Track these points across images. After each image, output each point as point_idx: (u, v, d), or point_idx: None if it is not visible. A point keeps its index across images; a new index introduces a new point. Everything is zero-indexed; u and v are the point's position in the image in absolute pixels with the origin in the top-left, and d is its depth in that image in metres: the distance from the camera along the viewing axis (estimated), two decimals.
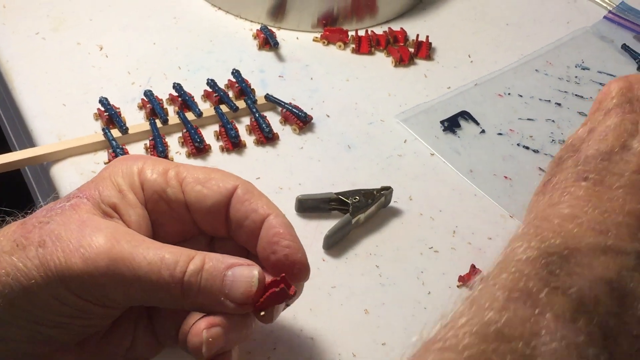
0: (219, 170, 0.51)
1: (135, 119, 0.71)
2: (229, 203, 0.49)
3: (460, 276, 0.63)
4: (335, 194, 0.66)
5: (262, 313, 0.47)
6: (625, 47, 0.86)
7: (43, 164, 0.68)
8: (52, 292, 0.45)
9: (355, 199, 0.66)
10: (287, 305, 0.52)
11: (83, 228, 0.46)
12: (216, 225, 0.50)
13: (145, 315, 0.51)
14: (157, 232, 0.50)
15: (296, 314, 0.59)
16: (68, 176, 0.66)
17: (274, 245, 0.48)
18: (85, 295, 0.45)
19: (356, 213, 0.65)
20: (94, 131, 0.69)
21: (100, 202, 0.48)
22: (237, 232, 0.50)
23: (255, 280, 0.46)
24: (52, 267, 0.44)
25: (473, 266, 0.64)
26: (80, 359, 0.49)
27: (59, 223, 0.46)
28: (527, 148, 0.75)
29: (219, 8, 0.84)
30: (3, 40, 0.77)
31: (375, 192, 0.67)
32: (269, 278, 0.48)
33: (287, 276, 0.48)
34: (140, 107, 0.72)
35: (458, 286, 0.63)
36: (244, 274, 0.46)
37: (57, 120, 0.70)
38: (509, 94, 0.80)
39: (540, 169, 0.73)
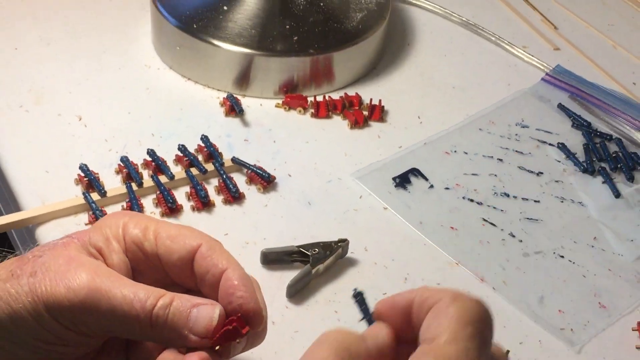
0: (190, 229, 0.56)
1: (113, 183, 0.78)
2: (192, 259, 0.54)
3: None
4: (297, 246, 0.73)
5: (217, 347, 0.52)
6: (560, 107, 0.94)
7: (29, 227, 0.74)
8: (36, 316, 0.50)
9: (314, 251, 0.73)
10: (247, 346, 0.57)
11: (70, 262, 0.52)
12: (184, 277, 0.55)
13: (122, 352, 0.56)
14: (137, 278, 0.55)
15: (262, 358, 0.65)
16: (53, 237, 0.72)
17: (230, 297, 0.53)
18: (65, 321, 0.51)
19: (316, 264, 0.72)
20: (75, 195, 0.76)
21: (89, 244, 0.54)
22: (201, 285, 0.55)
23: (216, 316, 0.51)
24: (39, 293, 0.50)
25: None
26: None
27: (50, 256, 0.52)
28: (472, 200, 0.82)
29: (189, 79, 0.91)
30: None
31: (333, 244, 0.74)
32: None
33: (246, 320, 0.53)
34: (117, 172, 0.79)
35: None
36: (207, 311, 0.51)
37: (40, 186, 0.77)
38: (455, 151, 0.87)
39: (483, 219, 0.80)
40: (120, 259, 0.55)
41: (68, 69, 0.90)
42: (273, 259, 0.73)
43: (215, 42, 0.88)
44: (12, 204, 0.78)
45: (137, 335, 0.52)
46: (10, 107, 0.84)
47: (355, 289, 0.51)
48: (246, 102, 0.89)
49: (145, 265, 0.56)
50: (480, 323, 0.42)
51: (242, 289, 0.53)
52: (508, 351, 0.68)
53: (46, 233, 0.73)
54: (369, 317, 0.50)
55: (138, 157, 0.80)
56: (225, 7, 0.90)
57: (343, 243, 0.74)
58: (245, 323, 0.53)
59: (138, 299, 0.51)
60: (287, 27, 0.90)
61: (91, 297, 0.50)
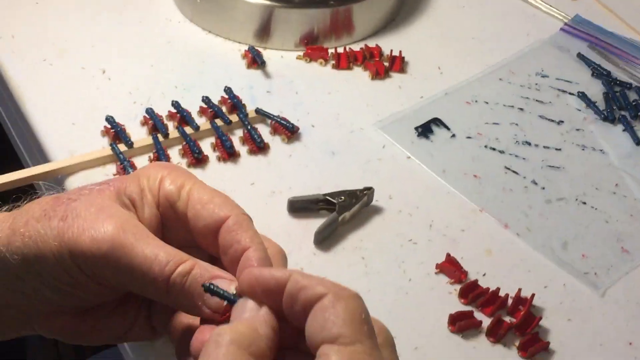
0: (224, 198, 0.55)
1: (138, 134, 0.78)
2: (218, 229, 0.53)
3: (437, 264, 0.71)
4: (323, 195, 0.74)
5: None
6: (580, 56, 0.94)
7: (57, 177, 0.75)
8: (59, 259, 0.51)
9: (340, 199, 0.74)
10: None
11: (100, 211, 0.52)
12: (208, 244, 0.54)
13: (145, 303, 0.57)
14: (165, 234, 0.56)
15: None
16: None
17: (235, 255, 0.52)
18: (86, 270, 0.51)
19: (342, 211, 0.73)
20: (102, 146, 0.77)
21: (123, 194, 0.54)
22: (223, 257, 0.54)
23: (233, 288, 0.49)
24: (66, 239, 0.51)
25: (448, 255, 0.71)
26: (78, 327, 0.56)
27: (83, 202, 0.53)
28: (494, 149, 0.83)
29: (209, 31, 0.92)
30: (14, 68, 0.84)
31: (358, 192, 0.75)
32: None
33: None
34: (143, 124, 0.79)
35: (436, 273, 0.71)
36: (223, 286, 0.50)
37: (67, 138, 0.78)
38: (476, 101, 0.88)
39: (505, 167, 0.81)
40: (152, 213, 0.55)
41: (90, 22, 0.91)
42: (300, 207, 0.74)
43: None
44: (40, 157, 0.79)
45: (152, 296, 0.52)
46: (34, 61, 0.85)
47: (203, 285, 0.50)
48: (267, 54, 0.89)
49: (175, 223, 0.56)
50: (367, 318, 0.44)
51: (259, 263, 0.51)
52: None
53: (75, 184, 0.74)
54: (230, 298, 0.49)
55: (162, 109, 0.81)
56: None
57: (368, 191, 0.75)
58: None
59: (158, 262, 0.50)
60: None
61: (113, 252, 0.50)
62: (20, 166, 0.86)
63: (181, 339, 0.54)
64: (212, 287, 0.49)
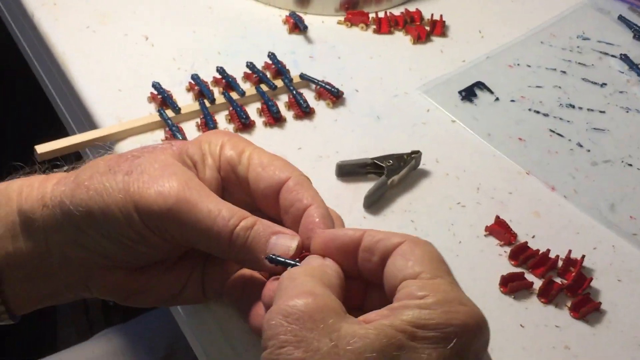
0: (284, 161, 0.57)
1: (185, 100, 0.79)
2: (279, 190, 0.55)
3: (486, 227, 0.71)
4: (371, 159, 0.74)
5: None
6: (621, 18, 0.94)
7: (107, 144, 0.76)
8: (124, 212, 0.52)
9: (389, 162, 0.74)
10: None
11: (164, 168, 0.53)
12: (268, 206, 0.56)
13: (199, 267, 0.58)
14: (225, 198, 0.56)
15: None
16: None
17: (309, 232, 0.53)
18: (150, 224, 0.52)
19: (391, 175, 0.73)
20: (149, 112, 0.77)
21: (186, 155, 0.56)
22: (284, 217, 0.55)
23: (294, 246, 0.52)
24: (131, 192, 0.52)
25: (497, 217, 0.71)
26: (133, 284, 0.57)
27: (147, 159, 0.54)
28: (538, 112, 0.83)
29: None
30: (57, 35, 0.84)
31: (405, 156, 0.75)
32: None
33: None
34: (188, 90, 0.80)
35: (485, 235, 0.71)
36: (285, 240, 0.52)
37: (114, 105, 0.78)
38: (518, 64, 0.88)
39: (550, 130, 0.81)
40: (213, 175, 0.56)
41: None
42: (348, 171, 0.74)
43: None
44: (88, 124, 0.79)
45: (215, 250, 0.53)
46: (78, 28, 0.85)
47: (266, 257, 0.52)
48: (308, 19, 0.89)
49: (235, 187, 0.57)
50: (444, 260, 0.48)
51: (322, 227, 0.53)
52: None
53: (125, 149, 0.74)
54: (292, 264, 0.51)
55: (207, 75, 0.81)
56: None
57: (416, 155, 0.75)
58: None
59: (222, 217, 0.52)
60: None
61: (178, 206, 0.51)
62: (65, 134, 0.87)
63: (243, 296, 0.55)
64: (274, 257, 0.50)
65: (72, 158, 0.70)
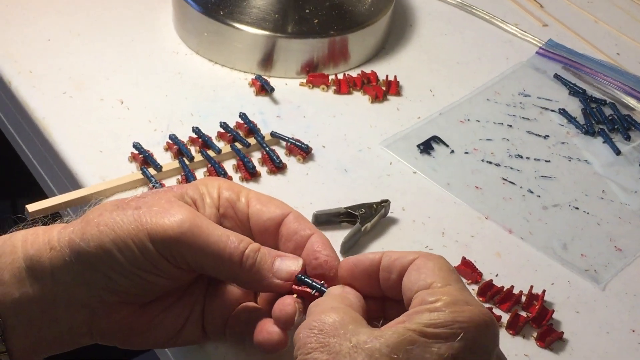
0: (280, 200, 0.63)
1: (163, 159, 0.83)
2: (280, 222, 0.61)
3: (454, 267, 0.77)
4: (345, 208, 0.80)
5: (295, 295, 0.58)
6: (556, 76, 1.02)
7: (91, 202, 0.79)
8: (137, 242, 0.56)
9: (361, 211, 0.79)
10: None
11: (171, 203, 0.58)
12: (265, 238, 0.62)
13: (199, 304, 0.62)
14: None
15: None
16: None
17: (317, 254, 0.60)
18: (164, 251, 0.56)
19: (364, 222, 0.79)
20: (131, 171, 0.81)
21: (186, 194, 0.60)
22: (285, 245, 0.61)
23: (298, 266, 0.58)
24: (143, 222, 0.56)
25: (464, 258, 0.77)
26: (136, 322, 0.60)
27: (152, 197, 0.59)
28: (490, 163, 0.90)
29: (215, 62, 0.97)
30: (36, 101, 0.88)
31: (375, 205, 0.81)
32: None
33: (324, 276, 0.59)
34: (166, 149, 0.84)
35: None
36: (290, 261, 0.59)
37: (97, 165, 0.82)
38: (468, 119, 0.95)
39: (503, 178, 0.88)
40: (212, 212, 0.61)
41: (102, 57, 0.95)
42: (324, 220, 0.79)
43: (242, 26, 0.94)
44: (71, 184, 0.83)
45: (226, 273, 0.58)
46: (55, 95, 0.89)
47: (296, 277, 0.58)
48: (272, 82, 0.95)
49: (233, 223, 0.62)
50: (454, 270, 0.55)
51: (328, 250, 0.60)
52: None
53: None
54: (318, 287, 0.58)
55: (182, 135, 0.86)
56: None
57: (385, 203, 0.81)
58: (321, 279, 0.59)
59: (232, 240, 0.57)
60: (307, 10, 0.97)
61: (191, 231, 0.56)
62: (42, 195, 0.90)
63: (246, 329, 0.60)
64: (303, 278, 0.55)
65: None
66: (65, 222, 0.61)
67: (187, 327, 0.62)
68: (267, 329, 0.58)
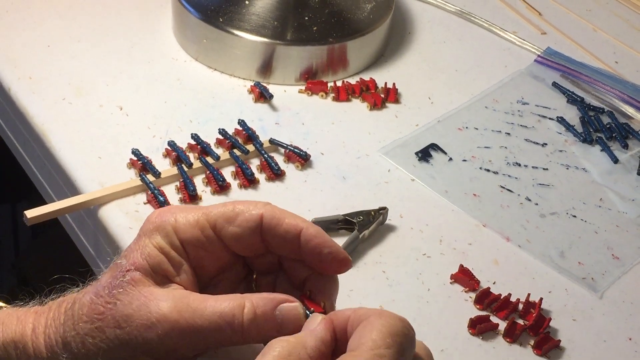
0: (242, 202, 0.57)
1: (162, 165, 0.83)
2: (259, 229, 0.56)
3: (451, 275, 0.77)
4: (343, 215, 0.80)
5: None
6: (555, 84, 1.03)
7: (90, 208, 0.79)
8: (129, 354, 0.54)
9: (359, 218, 0.80)
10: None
11: (148, 304, 0.54)
12: (254, 248, 0.57)
13: None
14: (199, 273, 0.57)
15: None
16: (115, 217, 0.78)
17: (319, 254, 0.56)
18: (158, 355, 0.53)
19: (362, 229, 0.79)
20: (130, 177, 0.81)
21: (152, 271, 0.55)
22: (275, 246, 0.57)
23: (302, 314, 0.53)
24: (132, 342, 0.53)
25: (461, 266, 0.78)
26: None
27: (125, 304, 0.54)
28: (488, 170, 0.90)
29: (215, 69, 0.97)
30: (35, 107, 0.88)
31: (373, 212, 0.81)
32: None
33: (334, 268, 0.57)
34: (165, 155, 0.84)
35: (451, 283, 0.77)
36: (291, 310, 0.53)
37: (96, 171, 0.82)
38: (466, 127, 0.95)
39: (500, 186, 0.88)
40: (186, 271, 0.56)
41: (102, 63, 0.96)
42: (322, 227, 0.78)
43: (241, 33, 0.95)
44: (69, 190, 0.83)
45: (230, 344, 0.55)
46: (54, 101, 0.90)
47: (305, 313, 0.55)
48: (271, 89, 0.95)
49: (206, 259, 0.57)
50: (399, 336, 0.49)
51: (327, 244, 0.56)
52: None
53: (109, 212, 0.78)
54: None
55: (181, 142, 0.86)
56: (247, 2, 0.97)
57: (383, 210, 0.81)
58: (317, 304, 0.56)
59: (224, 320, 0.53)
60: (307, 18, 0.97)
61: (179, 328, 0.53)
62: (42, 199, 0.90)
63: None
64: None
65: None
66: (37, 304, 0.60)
67: None
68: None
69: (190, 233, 0.56)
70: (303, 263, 0.57)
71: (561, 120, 0.98)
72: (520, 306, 0.76)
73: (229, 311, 0.53)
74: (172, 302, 0.53)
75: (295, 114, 0.93)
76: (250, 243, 0.56)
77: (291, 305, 0.54)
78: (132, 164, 0.83)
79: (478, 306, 0.76)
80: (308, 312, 0.54)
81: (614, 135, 0.97)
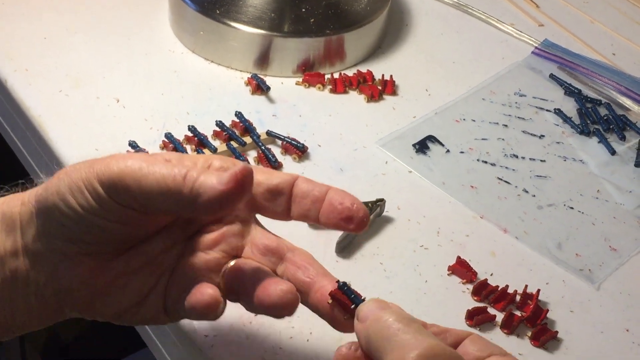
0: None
1: None
2: (292, 184, 0.60)
3: (449, 266, 0.77)
4: None
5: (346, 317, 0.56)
6: (552, 76, 1.03)
7: None
8: (87, 184, 0.54)
9: None
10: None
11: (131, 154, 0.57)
12: (274, 203, 0.60)
13: (167, 276, 0.59)
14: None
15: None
16: None
17: (342, 199, 0.59)
18: (110, 190, 0.54)
19: None
20: None
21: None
22: (300, 203, 0.59)
23: (236, 170, 0.53)
24: (95, 165, 0.55)
25: (459, 257, 0.78)
26: (98, 279, 0.58)
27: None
28: (486, 162, 0.90)
29: (212, 61, 0.97)
30: (32, 99, 0.88)
31: (371, 204, 0.81)
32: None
33: (354, 218, 0.58)
34: (162, 148, 0.84)
35: (448, 274, 0.77)
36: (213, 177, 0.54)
37: None
38: (464, 119, 0.95)
39: (498, 178, 0.88)
40: None
41: (98, 55, 0.95)
42: None
43: (238, 25, 0.94)
44: None
45: (173, 201, 0.55)
46: (51, 92, 0.89)
47: (338, 282, 0.57)
48: (268, 80, 0.95)
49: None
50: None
51: (350, 197, 0.60)
52: None
53: None
54: (359, 302, 0.55)
55: (178, 134, 0.86)
56: None
57: (381, 202, 0.81)
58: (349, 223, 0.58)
59: (178, 169, 0.54)
60: (304, 10, 0.97)
61: (138, 164, 0.54)
62: None
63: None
64: (346, 287, 0.55)
65: None
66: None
67: (150, 299, 0.60)
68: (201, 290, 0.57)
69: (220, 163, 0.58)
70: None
71: (558, 112, 0.97)
72: (518, 298, 0.76)
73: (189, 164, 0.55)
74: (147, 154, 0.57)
75: (292, 106, 0.93)
76: (278, 196, 0.60)
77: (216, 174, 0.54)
78: None
79: (475, 298, 0.76)
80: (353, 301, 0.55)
81: (611, 127, 0.97)
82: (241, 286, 0.58)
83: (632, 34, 1.13)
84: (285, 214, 0.61)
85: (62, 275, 0.59)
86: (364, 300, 0.55)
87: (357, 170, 0.86)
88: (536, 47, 1.07)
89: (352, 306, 0.55)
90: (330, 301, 0.56)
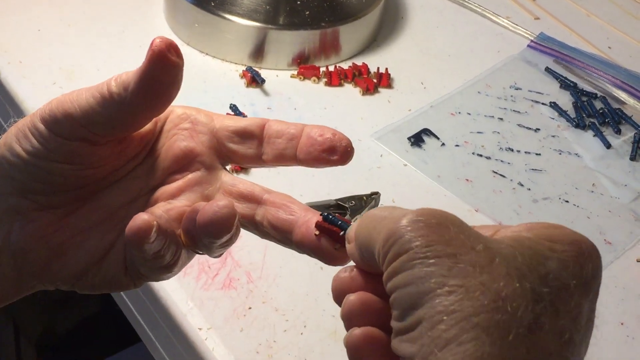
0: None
1: None
2: (263, 127, 0.55)
3: None
4: (335, 200, 0.80)
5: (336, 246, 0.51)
6: (548, 70, 1.02)
7: None
8: (31, 126, 0.52)
9: (351, 203, 0.79)
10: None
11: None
12: (242, 145, 0.55)
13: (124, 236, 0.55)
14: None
15: (317, 298, 0.72)
16: None
17: (321, 132, 0.54)
18: (51, 124, 0.51)
19: (354, 214, 0.78)
20: None
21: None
22: (273, 143, 0.55)
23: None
24: (37, 112, 0.52)
25: None
26: (58, 234, 0.55)
27: None
28: (481, 155, 0.90)
29: (206, 54, 0.97)
30: (26, 91, 0.88)
31: (365, 197, 0.80)
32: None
33: (337, 148, 0.54)
34: None
35: None
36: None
37: None
38: (459, 112, 0.95)
39: (493, 171, 0.88)
40: None
41: (92, 47, 0.95)
42: None
43: (233, 18, 0.94)
44: None
45: (107, 116, 0.52)
46: (45, 85, 0.89)
47: (322, 213, 0.52)
48: (263, 73, 0.95)
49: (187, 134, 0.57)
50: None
51: (330, 129, 0.54)
52: None
53: None
54: (347, 226, 0.50)
55: None
56: None
57: (375, 195, 0.81)
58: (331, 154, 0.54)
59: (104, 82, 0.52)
60: (299, 2, 0.97)
61: (74, 92, 0.52)
62: None
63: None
64: (330, 217, 0.51)
65: None
66: None
67: (111, 257, 0.55)
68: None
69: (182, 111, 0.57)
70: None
71: (554, 105, 0.97)
72: None
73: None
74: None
75: (287, 98, 0.93)
76: (247, 138, 0.56)
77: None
78: None
79: None
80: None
81: (606, 120, 0.96)
82: (192, 225, 0.53)
83: (627, 27, 1.13)
84: (256, 158, 0.57)
85: (17, 237, 0.55)
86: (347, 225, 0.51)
87: (352, 163, 0.85)
88: (532, 41, 1.07)
89: (341, 233, 0.50)
90: (317, 232, 0.52)
